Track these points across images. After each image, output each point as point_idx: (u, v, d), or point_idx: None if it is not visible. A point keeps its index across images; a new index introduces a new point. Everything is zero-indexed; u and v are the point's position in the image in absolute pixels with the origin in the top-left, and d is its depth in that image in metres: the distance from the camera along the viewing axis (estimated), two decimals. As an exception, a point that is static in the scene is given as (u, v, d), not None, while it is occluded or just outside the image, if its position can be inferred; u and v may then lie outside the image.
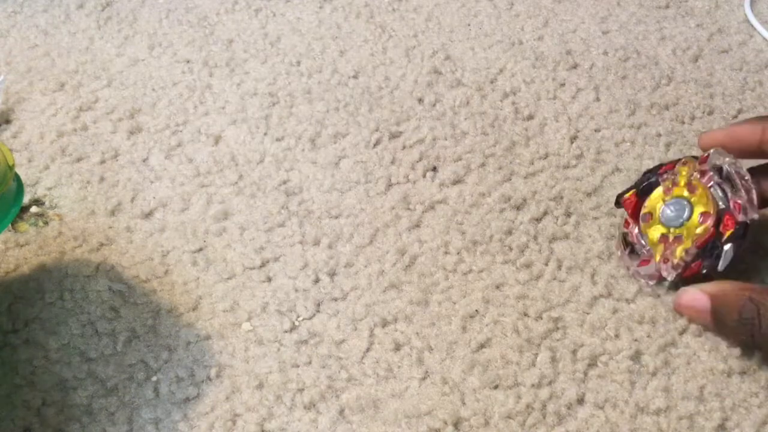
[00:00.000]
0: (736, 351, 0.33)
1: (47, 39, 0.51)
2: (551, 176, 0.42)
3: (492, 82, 0.49)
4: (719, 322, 0.33)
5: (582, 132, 0.45)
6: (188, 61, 0.49)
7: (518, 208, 0.40)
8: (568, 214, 0.40)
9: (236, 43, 0.51)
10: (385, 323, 0.35)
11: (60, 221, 0.39)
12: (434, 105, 0.47)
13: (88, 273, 0.36)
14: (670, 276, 0.35)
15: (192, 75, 0.48)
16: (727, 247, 0.33)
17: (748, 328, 0.31)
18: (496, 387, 0.32)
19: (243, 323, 0.34)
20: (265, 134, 0.44)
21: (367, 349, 0.34)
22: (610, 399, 0.32)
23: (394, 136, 0.44)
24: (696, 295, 0.34)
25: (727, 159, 0.35)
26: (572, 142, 0.44)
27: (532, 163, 0.43)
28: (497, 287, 0.36)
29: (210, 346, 0.33)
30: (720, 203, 0.34)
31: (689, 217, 0.35)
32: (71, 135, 0.44)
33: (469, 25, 0.54)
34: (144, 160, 0.42)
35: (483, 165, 0.43)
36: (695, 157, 0.37)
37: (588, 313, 0.35)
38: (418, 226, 0.39)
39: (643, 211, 0.37)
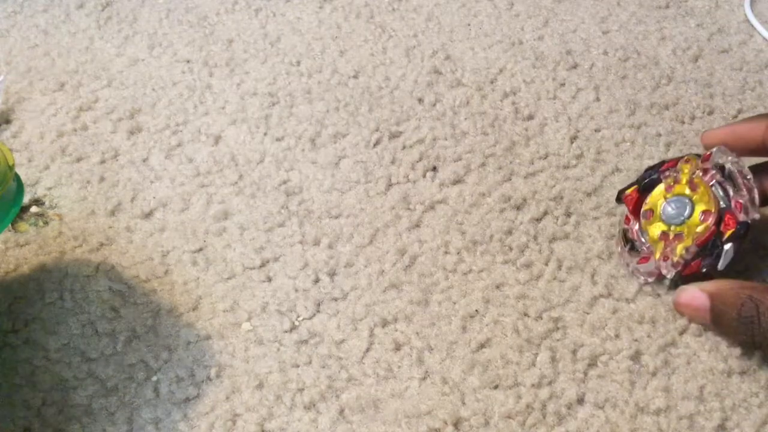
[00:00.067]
0: (736, 351, 0.33)
1: (47, 39, 0.51)
2: (551, 176, 0.42)
3: (492, 82, 0.49)
4: (718, 321, 0.33)
5: (582, 132, 0.45)
6: (188, 61, 0.49)
7: (518, 208, 0.40)
8: (568, 214, 0.40)
9: (236, 43, 0.51)
10: (385, 323, 0.35)
11: (60, 221, 0.39)
12: (434, 105, 0.47)
13: (88, 273, 0.36)
14: (669, 274, 0.35)
15: (192, 75, 0.48)
16: (727, 246, 0.33)
17: (748, 326, 0.31)
18: (496, 387, 0.32)
19: (243, 323, 0.34)
20: (265, 134, 0.44)
21: (367, 349, 0.34)
22: (610, 399, 0.32)
23: (394, 136, 0.44)
24: (695, 294, 0.34)
25: (729, 158, 0.35)
26: (572, 142, 0.44)
27: (532, 163, 0.43)
28: (497, 287, 0.36)
29: (210, 346, 0.33)
30: (721, 202, 0.34)
31: (690, 215, 0.35)
32: (71, 135, 0.44)
33: (469, 25, 0.54)
34: (144, 160, 0.42)
35: (483, 165, 0.43)
36: (698, 155, 0.37)
37: (588, 313, 0.35)
38: (418, 226, 0.39)
39: (644, 207, 0.37)
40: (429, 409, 0.31)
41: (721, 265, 0.33)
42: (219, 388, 0.32)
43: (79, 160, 0.42)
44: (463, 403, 0.32)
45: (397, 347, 0.34)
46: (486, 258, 0.38)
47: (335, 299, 0.36)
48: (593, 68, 0.50)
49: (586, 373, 0.33)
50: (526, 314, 0.35)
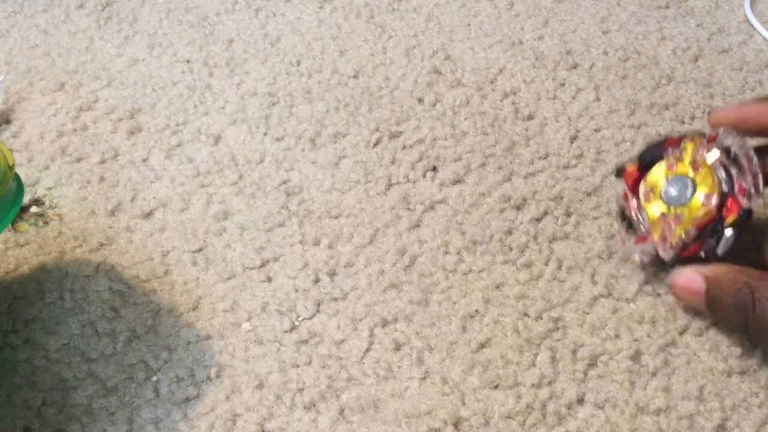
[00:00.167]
0: (736, 351, 0.33)
1: (47, 39, 0.51)
2: (551, 176, 0.42)
3: (492, 82, 0.49)
4: (713, 306, 0.32)
5: (582, 132, 0.45)
6: (188, 61, 0.49)
7: (518, 208, 0.40)
8: (568, 214, 0.40)
9: (236, 43, 0.51)
10: (385, 323, 0.35)
11: (60, 221, 0.39)
12: (434, 105, 0.47)
13: (88, 273, 0.36)
14: (667, 256, 0.34)
15: (192, 75, 0.48)
16: (728, 232, 0.32)
17: (742, 313, 0.31)
18: (496, 387, 0.32)
19: (243, 323, 0.34)
20: (265, 134, 0.44)
21: (367, 349, 0.34)
22: (610, 399, 0.32)
23: (394, 136, 0.44)
24: (692, 277, 0.33)
25: (736, 140, 0.33)
26: (572, 142, 0.44)
27: (532, 163, 0.43)
28: (497, 287, 0.36)
29: (210, 346, 0.33)
30: (724, 185, 0.33)
31: (691, 197, 0.34)
32: (71, 135, 0.44)
33: (469, 25, 0.54)
34: (144, 160, 0.42)
35: (483, 165, 0.43)
36: (702, 134, 0.35)
37: (588, 313, 0.35)
38: (418, 226, 0.39)
39: (644, 186, 0.36)
40: (429, 409, 0.31)
41: (720, 251, 0.33)
42: (219, 388, 0.32)
43: (79, 160, 0.42)
44: (463, 403, 0.32)
45: (397, 347, 0.34)
46: (486, 258, 0.38)
47: (335, 299, 0.36)
48: (593, 68, 0.50)
49: (586, 373, 0.33)
50: (526, 314, 0.35)
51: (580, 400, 0.32)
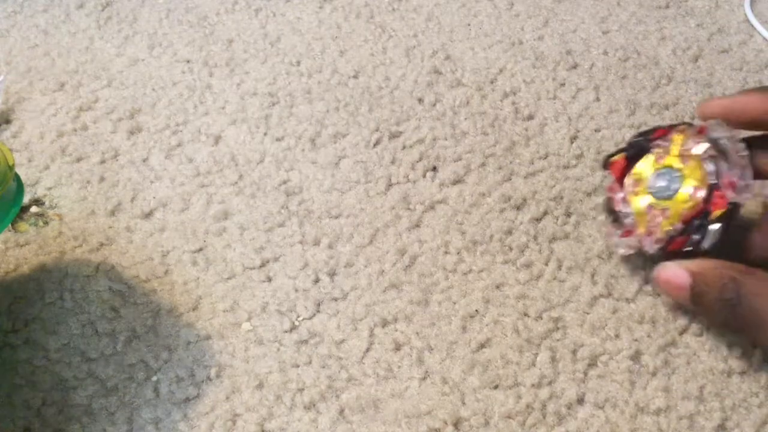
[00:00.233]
0: (736, 351, 0.33)
1: (47, 39, 0.51)
2: (551, 176, 0.42)
3: (492, 82, 0.49)
4: (698, 301, 0.32)
5: (582, 132, 0.45)
6: (188, 61, 0.49)
7: (518, 208, 0.40)
8: (568, 214, 0.40)
9: (236, 43, 0.51)
10: (385, 323, 0.35)
11: (60, 221, 0.39)
12: (434, 105, 0.47)
13: (88, 273, 0.36)
14: (652, 249, 0.34)
15: (192, 75, 0.48)
16: (714, 226, 0.32)
17: (727, 309, 0.31)
18: (496, 387, 0.32)
19: (243, 323, 0.34)
20: (265, 134, 0.44)
21: (367, 349, 0.34)
22: (610, 399, 0.32)
23: (394, 136, 0.44)
24: (676, 271, 0.33)
25: (725, 132, 0.33)
26: (572, 142, 0.44)
27: (532, 163, 0.43)
28: (497, 287, 0.36)
29: (210, 346, 0.33)
30: (712, 179, 0.33)
31: (678, 190, 0.33)
32: (71, 135, 0.44)
33: (469, 25, 0.54)
34: (144, 160, 0.42)
35: (483, 165, 0.43)
36: (691, 125, 0.35)
37: (588, 313, 0.35)
38: (418, 226, 0.39)
39: (631, 177, 0.35)
40: (429, 409, 0.31)
41: (706, 245, 0.32)
42: (219, 388, 0.32)
43: (79, 160, 0.42)
44: (463, 403, 0.32)
45: (397, 347, 0.34)
46: (486, 258, 0.38)
47: (335, 299, 0.36)
48: (593, 68, 0.50)
49: (586, 373, 0.33)
50: (526, 314, 0.35)
51: (580, 400, 0.32)
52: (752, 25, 0.55)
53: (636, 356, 0.33)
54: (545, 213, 0.40)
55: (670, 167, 0.34)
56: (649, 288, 0.36)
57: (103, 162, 0.42)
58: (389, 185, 0.41)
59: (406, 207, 0.40)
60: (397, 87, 0.48)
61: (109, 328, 0.34)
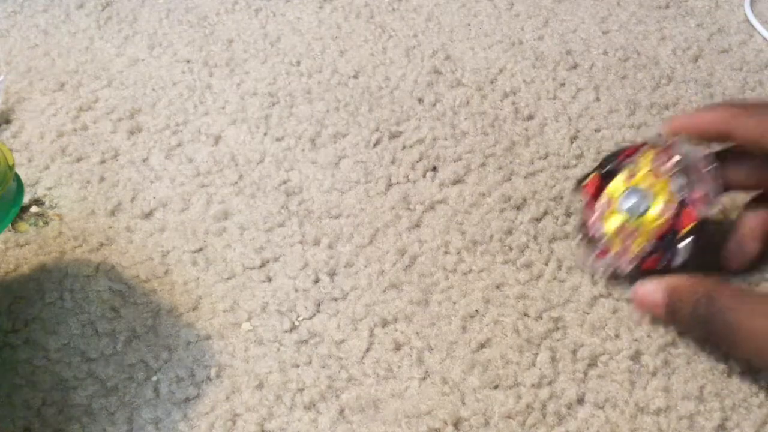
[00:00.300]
0: (736, 351, 0.33)
1: (47, 39, 0.51)
2: (551, 176, 0.42)
3: (492, 82, 0.49)
4: (674, 317, 0.33)
5: (582, 132, 0.45)
6: (188, 61, 0.49)
7: (518, 208, 0.40)
8: (568, 214, 0.40)
9: (236, 43, 0.51)
10: (385, 323, 0.35)
11: (60, 221, 0.39)
12: (434, 105, 0.47)
13: (88, 273, 0.36)
14: (627, 269, 0.34)
15: (192, 75, 0.48)
16: (684, 242, 0.32)
17: (701, 324, 0.31)
18: (496, 387, 0.32)
19: (243, 323, 0.34)
20: (265, 134, 0.44)
21: (367, 349, 0.34)
22: (610, 399, 0.32)
23: (394, 136, 0.44)
24: (651, 289, 0.33)
25: (692, 148, 0.33)
26: (572, 142, 0.44)
27: (532, 163, 0.43)
28: (497, 287, 0.36)
29: (210, 346, 0.33)
30: (680, 195, 0.33)
31: (648, 208, 0.34)
32: (71, 135, 0.44)
33: (469, 25, 0.54)
34: (144, 160, 0.42)
35: (483, 165, 0.43)
36: (659, 141, 0.35)
37: (588, 313, 0.35)
38: (418, 226, 0.39)
39: (602, 199, 0.35)
40: (429, 409, 0.31)
41: (678, 261, 0.33)
42: (219, 388, 0.32)
43: (79, 160, 0.42)
44: (463, 403, 0.32)
45: (397, 347, 0.34)
46: (486, 258, 0.38)
47: (335, 299, 0.36)
48: (593, 68, 0.50)
49: (586, 373, 0.33)
50: (526, 314, 0.35)
51: (580, 400, 0.32)
52: (752, 25, 0.55)
53: (636, 356, 0.33)
54: (545, 213, 0.40)
55: (639, 186, 0.34)
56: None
57: (103, 162, 0.42)
58: (389, 185, 0.41)
59: (406, 207, 0.40)
60: (397, 87, 0.48)
61: (109, 328, 0.34)
